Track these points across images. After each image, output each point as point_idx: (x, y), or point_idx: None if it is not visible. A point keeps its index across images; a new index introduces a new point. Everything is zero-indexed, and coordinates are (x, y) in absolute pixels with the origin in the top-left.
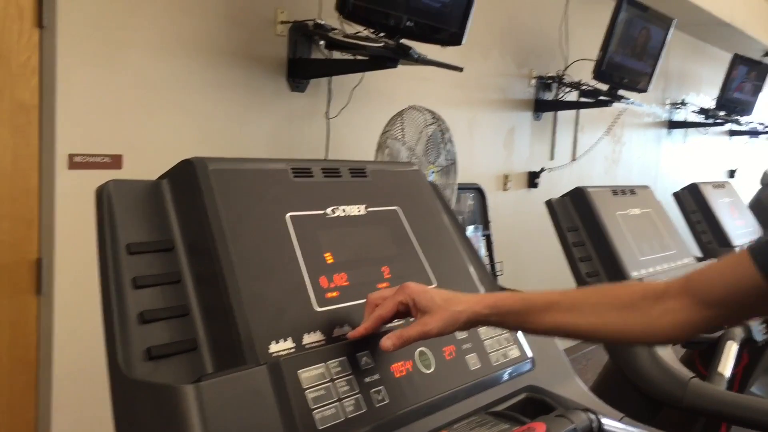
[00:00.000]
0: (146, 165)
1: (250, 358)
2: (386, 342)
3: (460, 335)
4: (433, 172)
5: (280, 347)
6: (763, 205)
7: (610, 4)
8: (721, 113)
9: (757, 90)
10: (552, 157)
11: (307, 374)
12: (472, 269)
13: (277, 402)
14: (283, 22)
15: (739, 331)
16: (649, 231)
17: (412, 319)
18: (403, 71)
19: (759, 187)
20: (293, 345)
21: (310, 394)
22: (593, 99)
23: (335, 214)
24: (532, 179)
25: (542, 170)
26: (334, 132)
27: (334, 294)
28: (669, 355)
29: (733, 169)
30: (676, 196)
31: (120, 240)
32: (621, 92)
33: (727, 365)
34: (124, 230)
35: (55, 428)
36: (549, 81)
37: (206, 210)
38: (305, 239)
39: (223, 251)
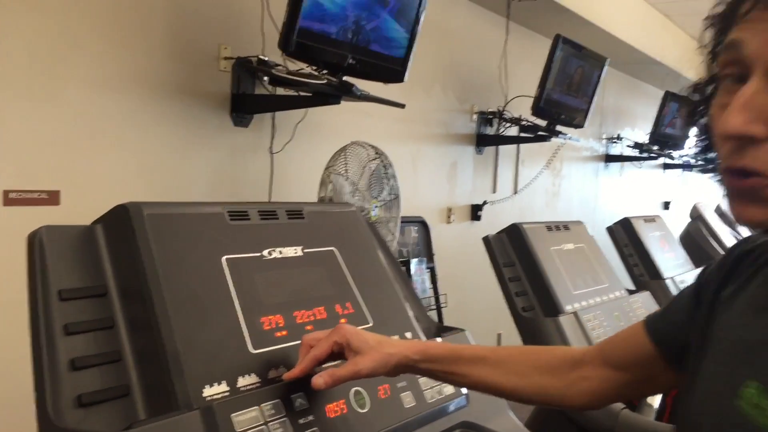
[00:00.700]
0: (85, 201)
1: (184, 403)
2: (318, 380)
3: None
4: (376, 207)
5: (215, 391)
6: (692, 238)
7: (546, 42)
8: (655, 147)
9: (688, 125)
10: (494, 190)
11: (241, 417)
12: (408, 308)
13: None
14: (226, 58)
15: None
16: (582, 265)
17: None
18: (347, 107)
19: (689, 220)
20: (228, 388)
21: None
22: (533, 134)
23: (272, 256)
24: (475, 212)
25: (485, 203)
26: (278, 167)
27: (270, 336)
28: None
29: (668, 201)
30: (610, 230)
31: (51, 286)
32: (559, 127)
33: (655, 396)
34: (57, 276)
35: None
36: (490, 116)
37: (140, 254)
38: (241, 282)
39: (156, 295)
